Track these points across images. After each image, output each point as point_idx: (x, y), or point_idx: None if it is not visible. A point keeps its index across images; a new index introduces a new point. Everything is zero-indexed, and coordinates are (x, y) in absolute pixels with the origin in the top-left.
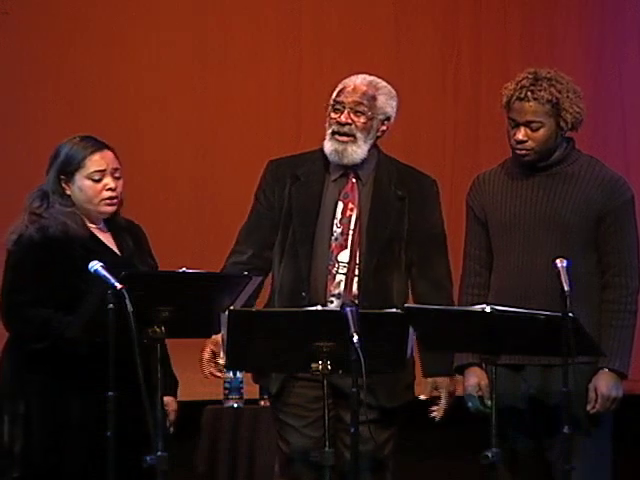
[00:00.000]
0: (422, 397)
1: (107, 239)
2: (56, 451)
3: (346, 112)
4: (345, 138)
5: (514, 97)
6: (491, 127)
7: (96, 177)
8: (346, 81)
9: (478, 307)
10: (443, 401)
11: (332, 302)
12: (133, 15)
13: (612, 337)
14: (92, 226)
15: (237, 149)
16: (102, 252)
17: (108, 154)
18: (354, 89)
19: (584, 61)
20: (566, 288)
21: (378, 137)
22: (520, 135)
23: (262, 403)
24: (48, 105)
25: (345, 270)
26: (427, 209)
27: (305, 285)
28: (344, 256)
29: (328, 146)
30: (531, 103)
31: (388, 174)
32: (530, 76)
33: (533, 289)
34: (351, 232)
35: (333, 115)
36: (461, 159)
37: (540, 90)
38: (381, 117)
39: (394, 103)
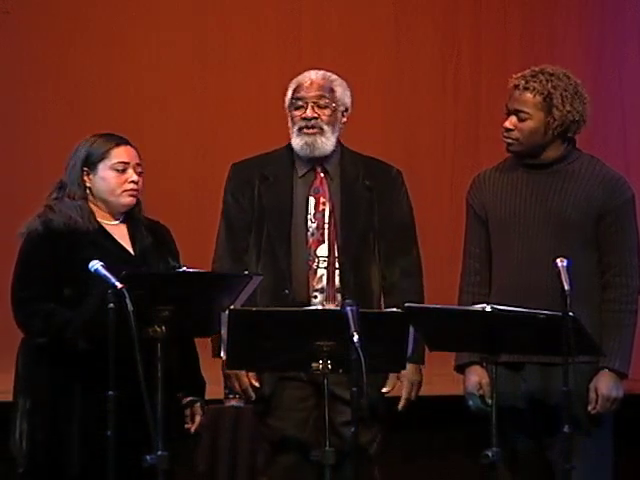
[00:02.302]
0: (384, 390)
1: (121, 235)
2: (58, 449)
3: (310, 107)
4: (313, 130)
5: (512, 86)
6: (491, 127)
7: (120, 168)
8: (300, 78)
9: (478, 306)
10: (405, 391)
11: (316, 297)
12: (133, 15)
13: (612, 337)
14: (105, 221)
15: (237, 149)
16: (110, 247)
17: (132, 149)
18: (312, 84)
19: (584, 61)
20: (566, 287)
21: (340, 129)
22: (507, 123)
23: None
24: (48, 105)
25: (326, 264)
26: (395, 199)
27: (287, 283)
28: (323, 250)
29: (297, 142)
30: (522, 93)
31: (354, 166)
32: (536, 69)
33: (533, 287)
34: (326, 226)
35: (296, 113)
36: (461, 159)
37: (535, 82)
38: (341, 109)
39: (349, 94)
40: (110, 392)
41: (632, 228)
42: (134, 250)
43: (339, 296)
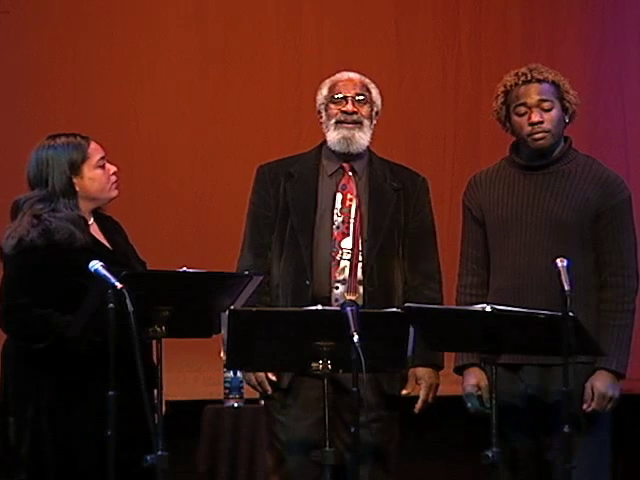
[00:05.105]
0: (404, 392)
1: (99, 236)
2: (68, 453)
3: (350, 102)
4: (352, 125)
5: (519, 82)
6: (491, 127)
7: (102, 164)
8: (336, 77)
9: (478, 306)
10: (422, 393)
11: (337, 288)
12: (133, 15)
13: (610, 337)
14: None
15: (237, 149)
16: (102, 253)
17: (96, 142)
18: (351, 81)
19: (584, 61)
20: (566, 288)
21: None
22: (535, 116)
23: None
24: (47, 105)
25: (349, 256)
26: (420, 204)
27: (308, 273)
28: (347, 243)
29: (334, 135)
30: (538, 84)
31: (381, 170)
32: (525, 67)
33: (530, 288)
34: (352, 220)
35: (335, 108)
36: (461, 159)
37: (543, 72)
38: (375, 109)
39: (380, 98)
40: (110, 392)
41: (629, 228)
42: (115, 250)
43: (361, 288)
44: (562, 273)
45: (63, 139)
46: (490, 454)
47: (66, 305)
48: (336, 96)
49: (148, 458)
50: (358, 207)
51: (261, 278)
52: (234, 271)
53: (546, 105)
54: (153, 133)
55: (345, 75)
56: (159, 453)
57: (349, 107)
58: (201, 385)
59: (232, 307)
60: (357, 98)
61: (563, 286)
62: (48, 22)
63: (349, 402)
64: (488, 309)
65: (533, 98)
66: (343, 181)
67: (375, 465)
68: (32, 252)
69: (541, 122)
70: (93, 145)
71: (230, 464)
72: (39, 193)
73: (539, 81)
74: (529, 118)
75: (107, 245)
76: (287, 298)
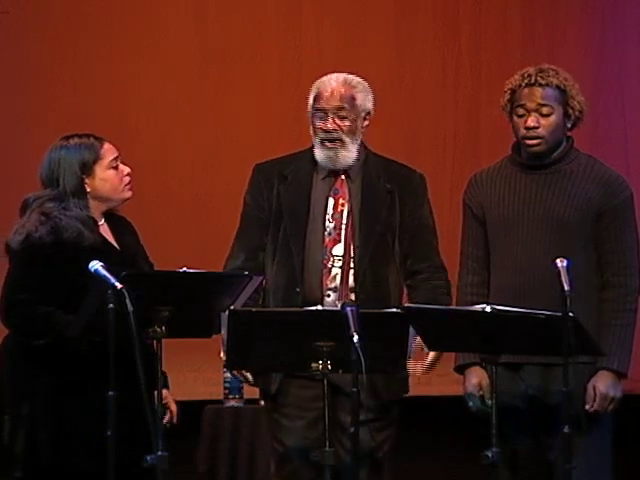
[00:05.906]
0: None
1: (109, 236)
2: (62, 451)
3: (330, 119)
4: (334, 144)
5: (523, 84)
6: (491, 127)
7: (114, 164)
8: (320, 85)
9: (478, 307)
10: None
11: (329, 296)
12: (132, 16)
13: (611, 337)
14: (98, 223)
15: (237, 149)
16: (110, 253)
17: (110, 143)
18: (332, 94)
19: (584, 61)
20: (566, 288)
21: (362, 133)
22: (531, 121)
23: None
24: (46, 105)
25: (340, 263)
26: (417, 202)
27: (299, 281)
28: (338, 250)
29: (319, 154)
30: (541, 88)
31: (376, 169)
32: (534, 67)
33: (531, 287)
34: (344, 226)
35: (318, 123)
36: (461, 159)
37: (548, 76)
38: (363, 114)
39: (371, 96)
40: (110, 392)
41: (631, 227)
42: (123, 251)
43: (352, 296)
44: (562, 273)
45: (76, 140)
46: (490, 454)
47: (68, 304)
48: (317, 111)
49: (148, 458)
50: (350, 212)
51: (261, 278)
52: (222, 269)
53: (545, 110)
54: (153, 133)
55: (328, 84)
56: (159, 453)
57: (329, 125)
58: (201, 385)
59: (232, 307)
60: (338, 114)
61: (563, 286)
62: (48, 22)
63: (345, 403)
64: (488, 309)
65: (533, 102)
66: (336, 185)
67: (371, 466)
68: (39, 249)
69: (536, 127)
70: (107, 146)
71: (230, 464)
72: (50, 192)
73: (542, 85)
74: (525, 122)
75: (115, 246)
76: (277, 304)
